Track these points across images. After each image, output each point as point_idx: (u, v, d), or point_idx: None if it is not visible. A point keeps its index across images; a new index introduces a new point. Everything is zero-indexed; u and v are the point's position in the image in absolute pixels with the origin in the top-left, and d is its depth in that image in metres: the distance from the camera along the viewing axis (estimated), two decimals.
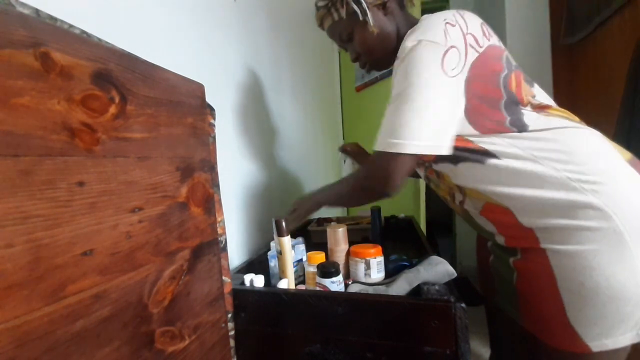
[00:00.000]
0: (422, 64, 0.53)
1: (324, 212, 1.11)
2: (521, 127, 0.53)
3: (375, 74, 1.86)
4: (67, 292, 0.33)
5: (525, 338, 0.60)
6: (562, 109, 0.57)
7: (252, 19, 1.03)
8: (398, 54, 0.57)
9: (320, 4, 0.68)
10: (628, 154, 0.54)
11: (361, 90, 2.05)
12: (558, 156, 0.51)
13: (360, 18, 0.64)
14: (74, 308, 0.33)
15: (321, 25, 0.72)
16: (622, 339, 0.49)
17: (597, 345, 0.49)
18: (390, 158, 0.56)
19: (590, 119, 0.57)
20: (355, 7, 0.64)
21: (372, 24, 0.64)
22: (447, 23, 0.54)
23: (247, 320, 0.61)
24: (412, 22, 0.66)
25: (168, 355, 0.46)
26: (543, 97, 0.58)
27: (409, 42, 0.54)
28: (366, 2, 0.64)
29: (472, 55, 0.54)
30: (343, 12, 0.66)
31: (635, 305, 0.47)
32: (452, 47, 0.52)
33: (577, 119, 0.57)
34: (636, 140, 1.03)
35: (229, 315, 0.61)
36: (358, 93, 2.09)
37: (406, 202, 1.70)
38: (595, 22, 1.33)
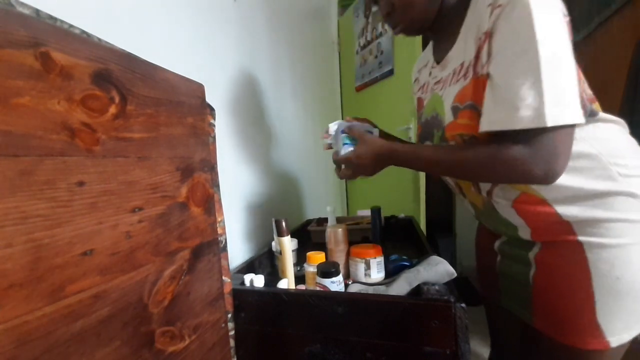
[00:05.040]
0: (551, 17, 0.43)
1: (324, 212, 1.11)
2: (589, 113, 0.49)
3: (376, 73, 1.85)
4: (67, 292, 0.33)
5: (531, 338, 0.59)
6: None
7: (252, 19, 1.03)
8: (499, 2, 0.46)
9: None
10: None
11: (361, 90, 2.05)
12: (609, 147, 0.49)
13: None
14: (74, 308, 0.33)
15: None
16: (635, 332, 0.49)
17: (616, 340, 0.49)
18: (557, 132, 0.43)
19: None
20: None
21: None
22: None
23: (247, 320, 0.61)
24: None
25: (168, 355, 0.46)
26: None
27: None
28: None
29: (567, 26, 0.46)
30: None
31: None
32: (562, 13, 0.45)
33: None
34: (636, 140, 1.03)
35: (229, 315, 0.61)
36: (358, 93, 2.09)
37: (406, 202, 1.70)
38: (595, 22, 1.33)
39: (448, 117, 0.57)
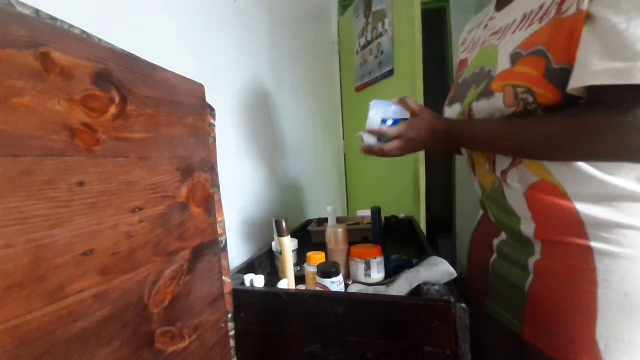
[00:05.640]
0: None
1: (324, 212, 1.11)
2: None
3: (376, 73, 1.85)
4: (67, 292, 0.33)
5: (520, 351, 0.55)
6: None
7: (252, 18, 1.03)
8: None
9: None
10: None
11: (361, 90, 2.05)
12: None
13: None
14: (74, 308, 0.33)
15: None
16: None
17: None
18: None
19: None
20: None
21: None
22: None
23: (247, 320, 0.61)
24: None
25: (168, 355, 0.46)
26: None
27: None
28: None
29: None
30: None
31: None
32: None
33: None
34: None
35: (229, 315, 0.61)
36: (358, 93, 2.09)
37: (406, 202, 1.70)
38: None
39: (502, 65, 0.51)
